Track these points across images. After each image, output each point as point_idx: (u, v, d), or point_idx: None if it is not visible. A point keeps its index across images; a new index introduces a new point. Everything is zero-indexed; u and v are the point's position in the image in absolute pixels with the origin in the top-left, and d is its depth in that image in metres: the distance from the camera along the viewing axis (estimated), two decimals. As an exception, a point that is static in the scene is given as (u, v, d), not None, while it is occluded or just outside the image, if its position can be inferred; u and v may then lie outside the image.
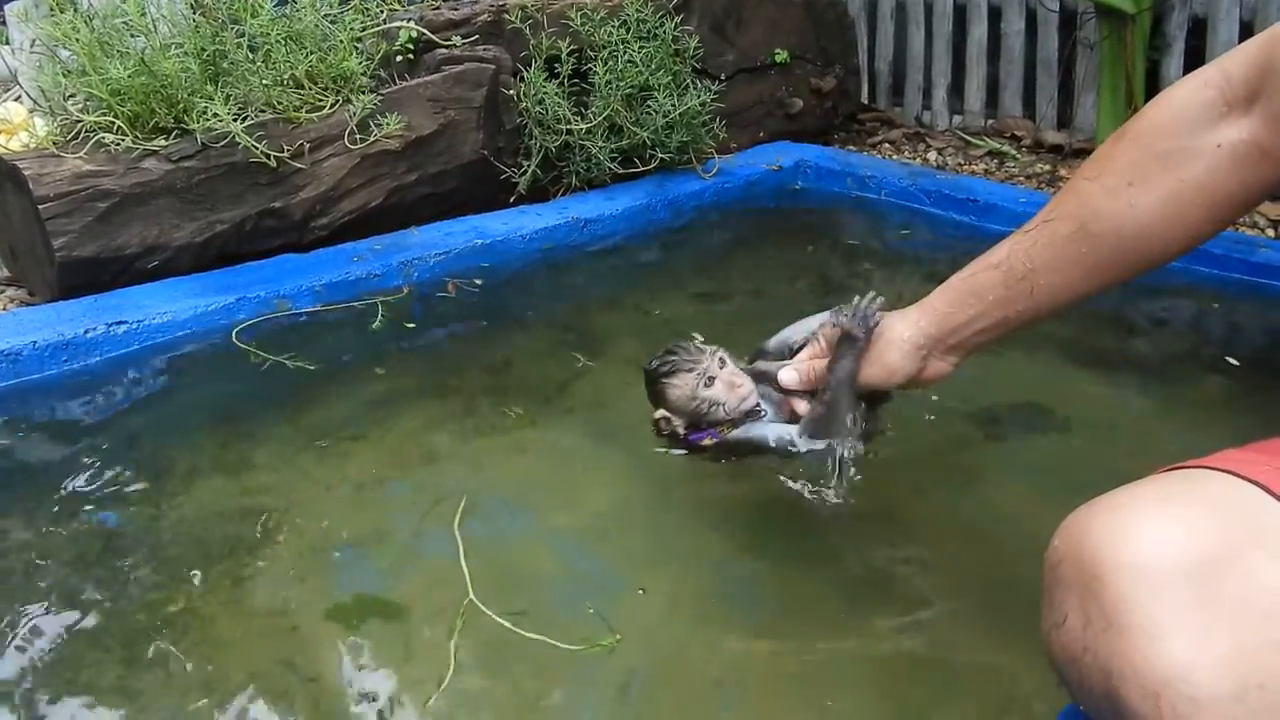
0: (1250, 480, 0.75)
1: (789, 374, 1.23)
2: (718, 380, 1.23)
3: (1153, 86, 2.68)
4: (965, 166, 2.83)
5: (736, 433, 1.24)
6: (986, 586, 1.19)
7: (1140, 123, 1.01)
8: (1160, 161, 0.98)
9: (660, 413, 1.27)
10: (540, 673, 1.06)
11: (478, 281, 1.99)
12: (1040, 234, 1.06)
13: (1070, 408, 1.54)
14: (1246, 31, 2.55)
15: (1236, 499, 0.74)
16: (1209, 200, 0.97)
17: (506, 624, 1.10)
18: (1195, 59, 2.64)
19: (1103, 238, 1.02)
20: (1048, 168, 2.73)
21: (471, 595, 1.13)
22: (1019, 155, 2.84)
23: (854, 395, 1.17)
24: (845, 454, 1.19)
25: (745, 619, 1.16)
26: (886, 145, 3.05)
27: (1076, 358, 1.71)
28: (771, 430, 1.23)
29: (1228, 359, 1.74)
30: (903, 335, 1.14)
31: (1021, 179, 2.69)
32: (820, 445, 1.20)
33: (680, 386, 1.25)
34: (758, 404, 1.24)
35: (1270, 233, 2.26)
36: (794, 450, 1.21)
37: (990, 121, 3.05)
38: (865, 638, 1.12)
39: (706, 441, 1.26)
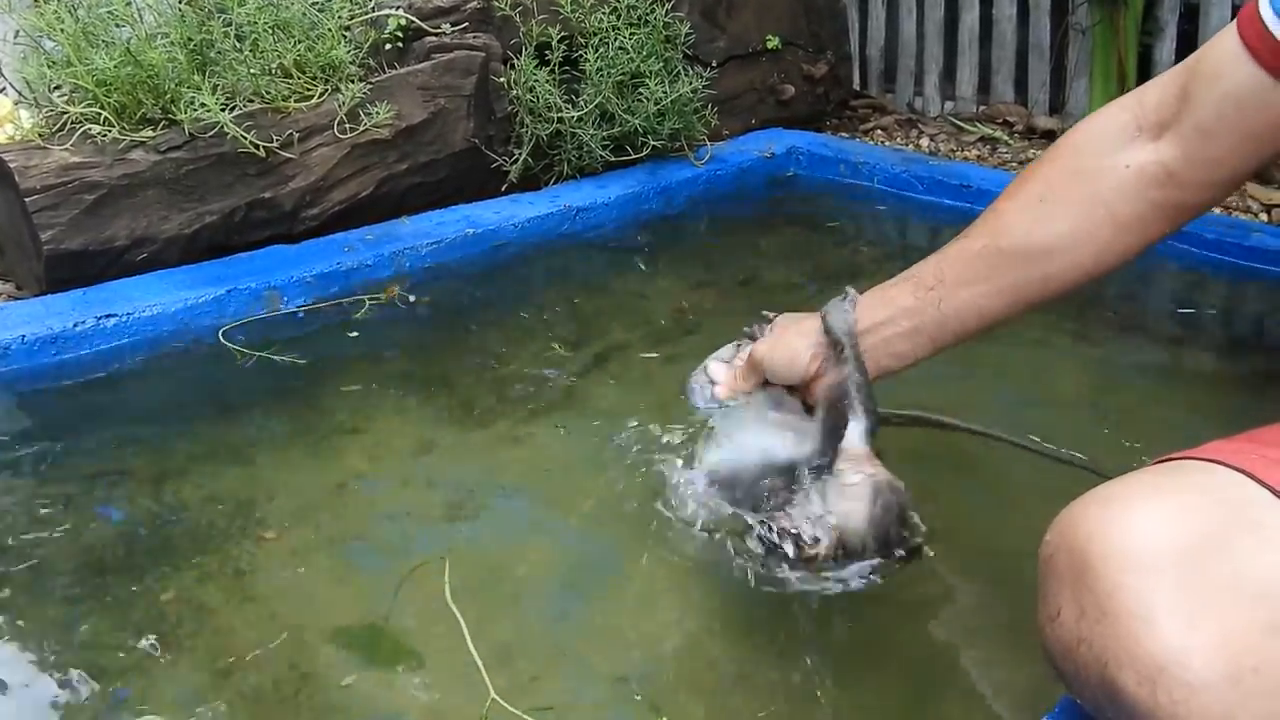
0: (1238, 469, 0.75)
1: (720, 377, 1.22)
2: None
3: (1145, 71, 2.67)
4: (958, 153, 2.82)
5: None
6: (982, 579, 1.20)
7: (1058, 146, 1.05)
8: (1071, 179, 1.02)
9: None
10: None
11: (411, 297, 1.93)
12: (953, 248, 1.08)
13: (1064, 394, 1.54)
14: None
15: (1225, 487, 0.75)
16: (1115, 220, 1.00)
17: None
18: (1187, 43, 2.64)
19: (1010, 253, 1.04)
20: (1040, 153, 2.73)
21: (494, 695, 1.03)
22: (1011, 141, 2.84)
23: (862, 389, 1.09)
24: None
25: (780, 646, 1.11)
26: (879, 131, 3.04)
27: (1068, 343, 1.71)
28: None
29: (1221, 341, 1.75)
30: (809, 329, 1.13)
31: (1014, 165, 2.69)
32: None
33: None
34: None
35: (1264, 217, 2.26)
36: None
37: (982, 107, 3.04)
38: (867, 632, 1.12)
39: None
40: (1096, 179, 1.00)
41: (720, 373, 1.22)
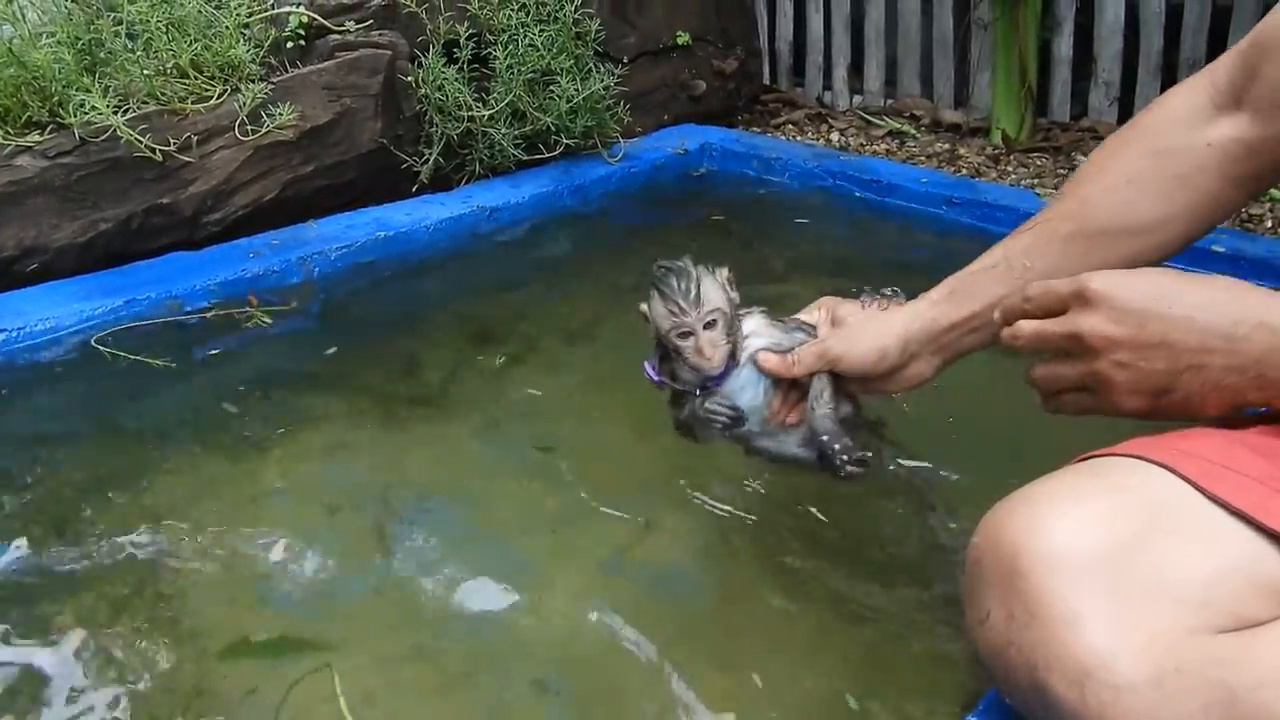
0: (1160, 465, 0.76)
1: (768, 357, 1.16)
2: (691, 338, 1.13)
3: (1045, 65, 2.74)
4: (867, 147, 2.86)
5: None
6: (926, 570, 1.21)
7: (1135, 127, 1.06)
8: (1155, 161, 1.02)
9: (643, 308, 1.18)
10: None
11: (267, 320, 1.81)
12: (1039, 234, 1.07)
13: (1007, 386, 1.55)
14: (1131, 13, 2.63)
15: (1147, 485, 0.76)
16: (1200, 198, 1.01)
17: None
18: (1084, 38, 2.71)
19: (1101, 237, 1.04)
20: (946, 146, 2.78)
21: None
22: (918, 134, 2.88)
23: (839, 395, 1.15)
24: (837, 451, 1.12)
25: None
26: (790, 126, 3.06)
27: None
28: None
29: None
30: (893, 325, 1.12)
31: (922, 158, 2.73)
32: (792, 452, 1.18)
33: (659, 312, 1.15)
34: (717, 383, 1.15)
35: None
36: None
37: (890, 101, 3.09)
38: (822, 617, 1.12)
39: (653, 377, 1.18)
40: (1180, 159, 1.01)
41: (713, 343, 1.15)
